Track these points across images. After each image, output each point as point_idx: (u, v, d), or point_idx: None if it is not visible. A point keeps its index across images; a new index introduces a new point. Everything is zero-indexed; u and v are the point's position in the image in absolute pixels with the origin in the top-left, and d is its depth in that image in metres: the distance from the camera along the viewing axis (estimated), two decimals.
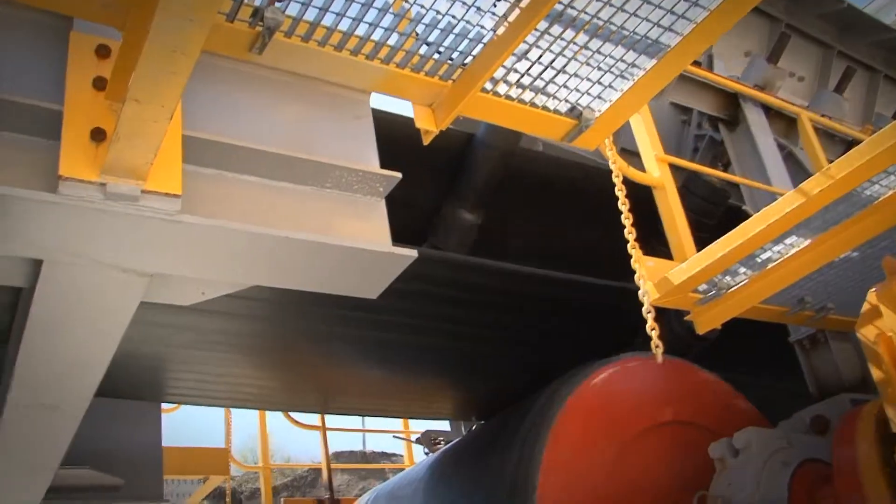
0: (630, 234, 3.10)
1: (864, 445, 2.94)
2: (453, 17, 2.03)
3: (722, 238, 2.98)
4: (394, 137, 2.56)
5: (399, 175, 2.28)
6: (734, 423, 3.53)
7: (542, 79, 2.23)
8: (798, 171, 4.40)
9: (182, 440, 7.27)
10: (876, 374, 2.87)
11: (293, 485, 14.71)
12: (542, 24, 2.04)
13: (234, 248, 2.01)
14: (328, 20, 1.97)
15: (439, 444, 6.85)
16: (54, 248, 1.87)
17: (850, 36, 5.65)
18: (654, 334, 3.04)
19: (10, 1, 1.89)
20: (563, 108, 2.33)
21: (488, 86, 2.21)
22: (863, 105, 5.85)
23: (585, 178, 4.38)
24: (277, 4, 1.89)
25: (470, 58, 2.15)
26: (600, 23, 2.07)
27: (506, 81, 2.22)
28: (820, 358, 3.89)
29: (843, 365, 3.80)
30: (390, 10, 1.97)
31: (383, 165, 2.31)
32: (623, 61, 2.19)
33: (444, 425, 7.19)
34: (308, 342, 4.65)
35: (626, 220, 3.11)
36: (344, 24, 1.99)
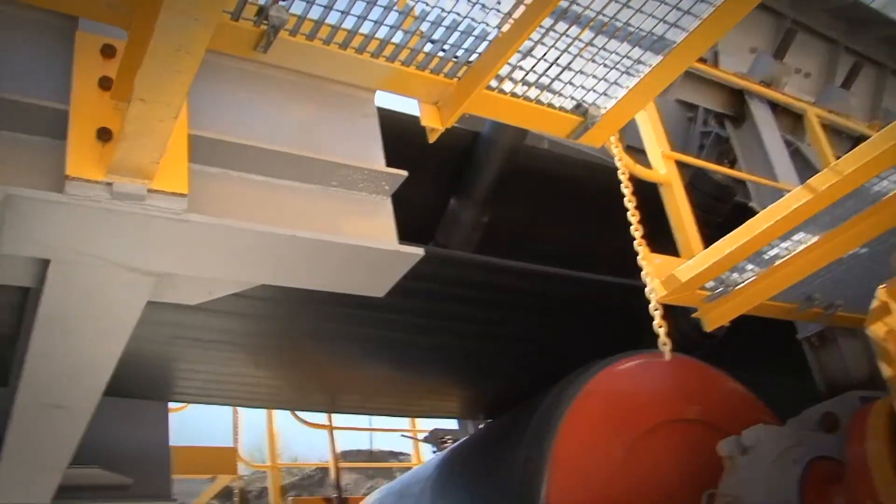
0: (637, 231, 3.09)
1: (875, 443, 2.93)
2: (458, 14, 2.03)
3: (729, 235, 2.97)
4: (399, 136, 2.56)
5: (405, 173, 2.27)
6: (743, 421, 3.51)
7: (547, 76, 2.22)
8: (805, 168, 4.38)
9: (190, 439, 7.27)
10: (886, 371, 2.86)
11: (301, 484, 14.72)
12: (548, 21, 2.04)
13: (241, 246, 2.01)
14: (333, 18, 1.96)
15: (447, 442, 6.84)
16: (61, 248, 1.87)
17: (857, 31, 5.61)
18: (662, 331, 3.03)
19: (16, 1, 1.89)
20: (569, 105, 2.32)
21: (494, 83, 2.20)
22: (870, 101, 5.81)
23: (591, 176, 4.37)
24: (282, 3, 1.89)
25: (475, 55, 2.15)
26: (605, 19, 2.07)
27: (511, 79, 2.22)
28: (828, 355, 3.87)
29: (851, 362, 3.78)
30: (395, 8, 1.97)
31: (389, 164, 2.31)
32: (629, 58, 2.18)
33: (451, 424, 7.19)
34: (315, 341, 4.66)
35: (633, 217, 3.10)
36: (349, 22, 1.99)
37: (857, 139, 4.65)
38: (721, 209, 4.34)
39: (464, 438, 5.92)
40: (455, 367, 5.29)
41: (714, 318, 3.30)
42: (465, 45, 2.13)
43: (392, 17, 2.00)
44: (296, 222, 2.08)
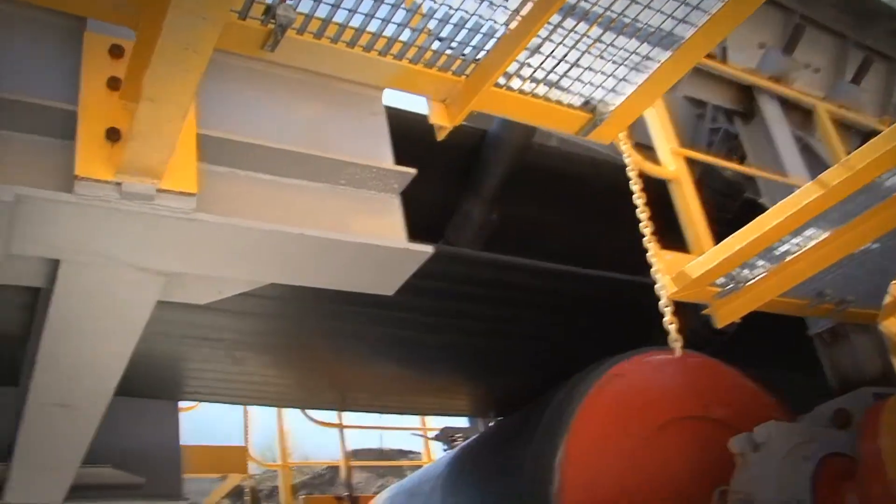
0: (647, 227, 3.08)
1: (889, 439, 2.92)
2: (466, 11, 2.03)
3: (740, 231, 2.96)
4: (407, 134, 2.55)
5: (414, 171, 2.27)
6: (754, 417, 3.50)
7: (555, 73, 2.21)
8: (815, 164, 4.35)
9: (201, 439, 7.30)
10: None
11: (311, 483, 14.75)
12: (555, 18, 2.03)
13: (250, 245, 2.01)
14: (340, 16, 1.96)
15: (457, 440, 6.84)
16: (71, 248, 1.88)
17: (867, 25, 5.57)
18: (673, 328, 3.01)
19: (25, 2, 1.90)
20: (578, 101, 2.31)
21: (502, 80, 2.20)
22: (881, 96, 5.77)
23: (599, 173, 4.36)
24: (289, 1, 1.88)
25: (483, 53, 2.14)
26: (614, 15, 2.06)
27: (519, 76, 2.21)
28: (840, 351, 3.85)
29: (863, 358, 3.76)
30: (402, 6, 1.97)
31: (398, 162, 2.31)
32: (637, 54, 2.17)
33: (462, 422, 7.19)
34: (324, 340, 4.66)
35: (643, 214, 3.09)
36: (356, 21, 1.99)
37: (868, 134, 4.62)
38: (731, 206, 4.33)
39: (474, 436, 5.91)
40: (465, 364, 5.29)
41: (725, 315, 3.29)
42: (473, 43, 2.12)
43: (400, 15, 2.00)
44: (304, 221, 2.08)
